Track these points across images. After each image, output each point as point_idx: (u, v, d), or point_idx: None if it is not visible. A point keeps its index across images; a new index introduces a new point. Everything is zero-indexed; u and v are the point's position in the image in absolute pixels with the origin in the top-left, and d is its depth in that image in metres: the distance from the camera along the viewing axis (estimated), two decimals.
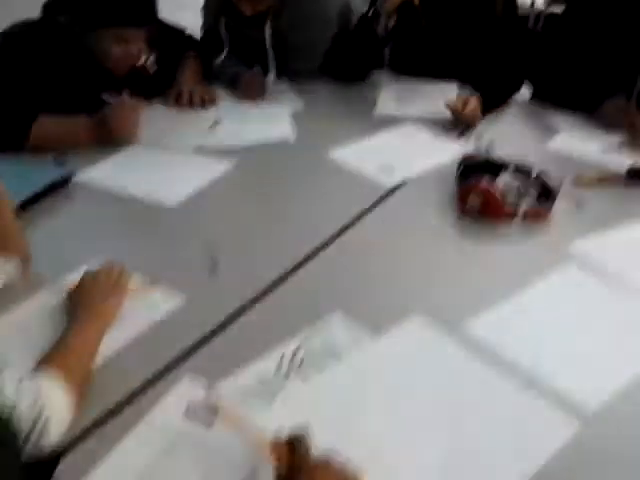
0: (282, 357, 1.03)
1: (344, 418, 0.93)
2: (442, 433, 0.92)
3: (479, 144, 1.62)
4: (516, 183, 1.43)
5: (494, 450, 0.90)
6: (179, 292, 1.16)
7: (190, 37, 2.11)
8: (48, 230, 1.35)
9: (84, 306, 1.03)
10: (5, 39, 1.69)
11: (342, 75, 2.12)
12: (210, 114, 1.89)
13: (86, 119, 1.67)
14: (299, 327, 1.09)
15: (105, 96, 1.73)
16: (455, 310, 1.15)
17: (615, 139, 1.77)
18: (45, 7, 1.71)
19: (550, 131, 1.84)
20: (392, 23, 1.98)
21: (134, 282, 1.14)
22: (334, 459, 0.78)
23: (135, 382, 0.98)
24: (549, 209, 1.42)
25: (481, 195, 1.38)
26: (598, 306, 1.19)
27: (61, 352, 0.95)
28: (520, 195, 1.41)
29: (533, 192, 1.43)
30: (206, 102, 1.93)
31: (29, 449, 0.79)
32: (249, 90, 2.00)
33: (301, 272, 1.24)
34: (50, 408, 0.82)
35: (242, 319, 1.12)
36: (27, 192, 1.41)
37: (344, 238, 1.35)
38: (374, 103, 1.99)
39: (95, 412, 0.93)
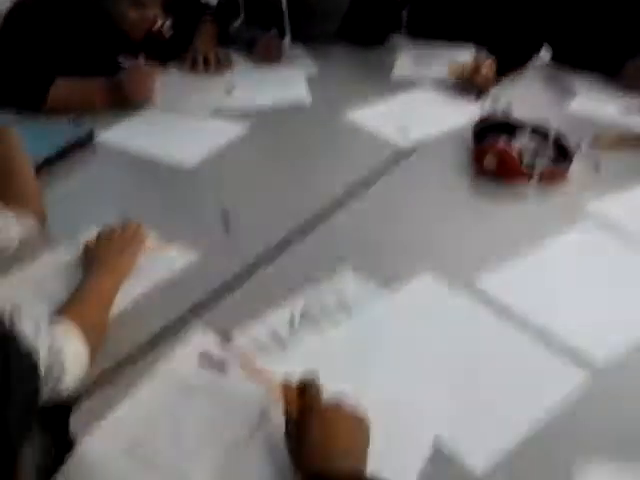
0: (294, 311, 1.04)
1: (355, 369, 0.94)
2: (453, 383, 0.93)
3: (496, 106, 1.60)
4: (533, 144, 1.42)
5: (505, 400, 0.91)
6: (194, 250, 1.17)
7: (206, 2, 2.10)
8: (65, 190, 1.37)
9: (100, 260, 1.05)
10: (23, 2, 1.69)
11: (360, 39, 2.10)
12: (226, 78, 1.89)
13: (102, 82, 1.67)
14: (311, 283, 1.09)
15: (121, 59, 1.74)
16: (469, 268, 1.14)
17: (635, 101, 1.74)
18: None
19: (569, 93, 1.81)
20: None
21: (150, 239, 1.15)
22: (344, 401, 0.78)
23: (149, 334, 0.99)
24: (566, 170, 1.40)
25: (497, 155, 1.37)
26: (612, 264, 1.19)
27: (77, 303, 0.96)
28: (537, 156, 1.40)
29: (550, 153, 1.41)
30: (222, 66, 1.92)
31: (46, 393, 0.81)
32: (265, 53, 1.99)
33: (315, 230, 1.24)
34: (67, 354, 0.84)
35: (255, 275, 1.13)
36: (45, 153, 1.42)
37: (359, 197, 1.35)
38: (391, 66, 1.98)
39: (110, 362, 0.94)
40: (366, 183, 1.39)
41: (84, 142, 1.52)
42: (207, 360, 0.93)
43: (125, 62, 1.72)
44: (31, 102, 1.60)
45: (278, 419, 0.81)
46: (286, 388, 0.81)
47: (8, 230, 1.11)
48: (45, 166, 1.39)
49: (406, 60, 2.02)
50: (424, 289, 1.10)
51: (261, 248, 1.18)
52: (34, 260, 1.13)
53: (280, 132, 1.64)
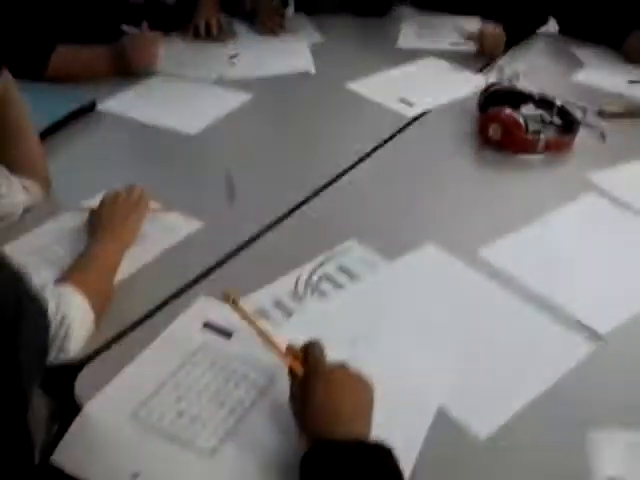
0: (298, 279, 1.04)
1: (359, 337, 0.94)
2: (457, 350, 0.93)
3: (501, 76, 1.59)
4: (538, 114, 1.41)
5: (508, 367, 0.91)
6: (198, 217, 1.16)
7: None
8: (68, 158, 1.36)
9: (104, 225, 1.05)
10: None
11: (364, 10, 2.08)
12: (229, 47, 1.87)
13: (105, 49, 1.66)
14: (315, 253, 1.09)
15: (124, 27, 1.72)
16: (472, 238, 1.14)
17: None
18: None
19: (575, 65, 1.80)
20: None
21: (154, 204, 1.15)
22: (348, 365, 0.79)
23: (154, 301, 0.99)
24: (571, 140, 1.40)
25: (502, 125, 1.36)
26: (616, 234, 1.18)
27: (81, 269, 0.96)
28: (542, 125, 1.39)
29: (556, 123, 1.41)
30: (224, 34, 1.91)
31: (51, 355, 0.81)
32: (268, 23, 1.97)
33: (318, 199, 1.24)
34: (72, 317, 0.84)
35: (258, 244, 1.12)
36: (48, 121, 1.41)
37: (362, 166, 1.34)
38: (395, 37, 1.97)
39: (114, 329, 0.94)
40: (370, 152, 1.38)
41: (87, 110, 1.51)
42: (212, 326, 0.94)
43: (128, 29, 1.70)
44: (32, 70, 1.58)
45: (283, 383, 0.82)
46: (290, 351, 0.81)
47: (13, 196, 1.11)
48: (47, 134, 1.38)
49: (410, 31, 2.00)
50: (427, 258, 1.10)
51: (265, 216, 1.18)
52: (38, 227, 1.13)
53: (284, 101, 1.63)
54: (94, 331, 0.92)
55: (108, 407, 0.82)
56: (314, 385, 0.75)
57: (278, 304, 0.99)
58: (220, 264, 1.07)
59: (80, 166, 1.34)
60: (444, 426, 0.83)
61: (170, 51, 1.79)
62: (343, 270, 1.06)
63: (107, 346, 0.91)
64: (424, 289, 1.04)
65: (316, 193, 1.25)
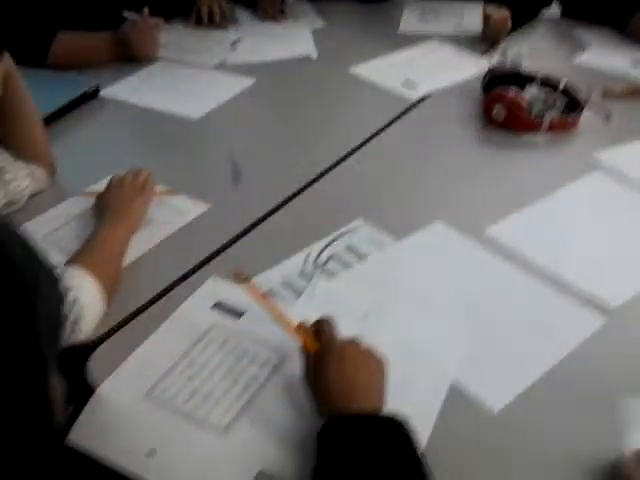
0: (306, 260, 1.04)
1: (369, 314, 0.94)
2: (468, 327, 0.93)
3: (505, 58, 1.59)
4: (543, 94, 1.41)
5: (520, 342, 0.91)
6: (204, 201, 1.16)
7: None
8: (73, 143, 1.36)
9: (111, 208, 1.05)
10: None
11: None
12: (231, 33, 1.87)
13: (107, 35, 1.66)
14: (322, 233, 1.09)
15: (126, 13, 1.71)
16: (479, 217, 1.14)
17: None
18: None
19: (579, 47, 1.80)
20: None
21: (159, 189, 1.15)
22: (360, 340, 0.79)
23: (163, 283, 0.99)
24: (576, 120, 1.40)
25: (507, 106, 1.36)
26: (622, 211, 1.19)
27: (89, 253, 0.96)
28: (547, 106, 1.39)
29: (560, 104, 1.40)
30: (226, 19, 1.90)
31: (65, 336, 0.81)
32: (269, 8, 1.97)
33: (324, 181, 1.24)
34: (84, 298, 0.84)
35: (265, 225, 1.12)
36: (50, 108, 1.41)
37: (367, 148, 1.34)
38: (397, 22, 1.96)
39: (124, 312, 0.94)
40: (374, 134, 1.38)
41: (89, 97, 1.50)
42: (222, 306, 0.94)
43: (130, 16, 1.70)
44: (34, 57, 1.58)
45: (295, 360, 0.82)
46: (302, 328, 0.81)
47: (19, 182, 1.10)
48: (51, 121, 1.38)
49: (412, 15, 1.99)
50: (435, 236, 1.10)
51: (271, 198, 1.18)
52: (45, 212, 1.13)
53: (286, 85, 1.63)
54: (105, 313, 0.92)
55: (122, 387, 0.82)
56: (327, 361, 0.75)
57: (287, 284, 0.99)
58: (228, 246, 1.07)
59: (84, 152, 1.34)
60: (457, 400, 0.83)
61: (171, 37, 1.78)
62: (351, 250, 1.06)
63: (118, 328, 0.92)
64: (433, 266, 1.04)
65: (322, 175, 1.25)
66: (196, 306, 0.94)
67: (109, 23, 1.67)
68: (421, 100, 1.53)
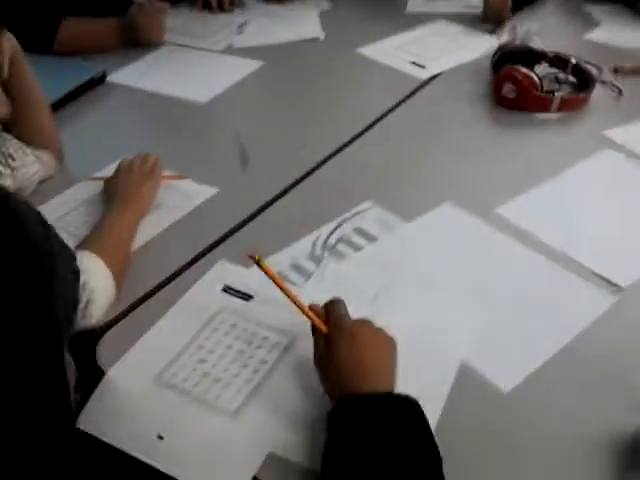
0: (315, 242, 1.04)
1: (379, 295, 0.94)
2: (478, 307, 0.93)
3: (514, 36, 1.57)
4: (553, 72, 1.39)
5: (531, 323, 0.91)
6: (212, 185, 1.16)
7: None
8: (80, 129, 1.35)
9: (120, 193, 1.04)
10: None
11: None
12: (237, 16, 1.85)
13: (113, 21, 1.64)
14: (331, 216, 1.08)
15: None
16: (489, 197, 1.13)
17: None
18: None
19: (590, 23, 1.77)
20: None
21: (168, 173, 1.15)
22: (371, 320, 0.79)
23: (171, 267, 0.99)
24: (587, 98, 1.38)
25: (517, 83, 1.34)
26: (633, 190, 1.17)
27: (98, 238, 0.96)
28: (557, 83, 1.37)
29: (571, 81, 1.39)
30: (233, 4, 1.89)
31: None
32: None
33: (333, 163, 1.23)
34: (94, 282, 0.84)
35: (274, 208, 1.12)
36: (57, 94, 1.40)
37: (376, 129, 1.33)
38: (404, 2, 1.93)
39: (132, 296, 0.94)
40: (383, 115, 1.37)
41: (96, 82, 1.50)
42: (231, 290, 0.94)
43: (136, 0, 1.69)
44: (39, 44, 1.57)
45: (305, 343, 0.82)
46: (313, 309, 0.81)
47: (28, 168, 1.10)
48: (58, 107, 1.38)
49: None
50: (445, 217, 1.09)
51: (279, 181, 1.17)
52: (53, 198, 1.13)
53: (294, 67, 1.61)
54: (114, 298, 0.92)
55: (131, 371, 0.83)
56: (338, 341, 0.75)
57: (296, 267, 0.99)
58: (236, 229, 1.07)
59: (92, 137, 1.33)
60: (467, 381, 0.83)
61: (177, 21, 1.77)
62: (360, 232, 1.06)
63: (127, 312, 0.92)
64: (442, 247, 1.04)
65: (330, 157, 1.24)
66: (205, 290, 0.94)
67: (116, 8, 1.66)
68: (430, 80, 1.51)
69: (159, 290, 0.95)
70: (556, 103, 1.34)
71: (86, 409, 0.78)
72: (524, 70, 1.35)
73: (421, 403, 0.71)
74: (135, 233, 1.01)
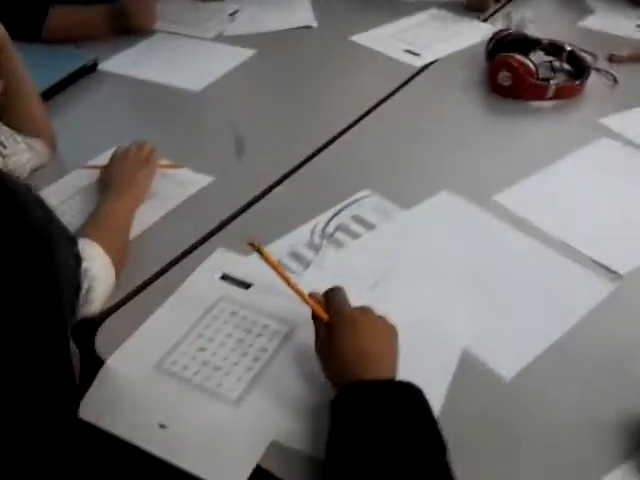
0: (313, 230, 1.03)
1: (378, 283, 0.93)
2: (477, 294, 0.92)
3: (509, 23, 1.56)
4: (548, 60, 1.39)
5: (531, 311, 0.90)
6: (207, 173, 1.15)
7: None
8: (72, 118, 1.34)
9: (115, 181, 1.03)
10: None
11: None
12: (228, 4, 1.83)
13: (103, 8, 1.62)
14: (328, 204, 1.08)
15: None
16: (486, 185, 1.13)
17: None
18: None
19: (584, 11, 1.77)
20: None
21: (163, 162, 1.13)
22: (372, 308, 0.78)
23: (168, 255, 0.98)
24: (582, 85, 1.38)
25: (512, 71, 1.34)
26: (629, 177, 1.17)
27: (96, 226, 0.94)
28: (553, 71, 1.37)
29: (566, 68, 1.39)
30: None
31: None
32: None
33: (329, 151, 1.22)
34: (95, 269, 0.83)
35: (270, 197, 1.11)
36: (48, 82, 1.38)
37: (371, 117, 1.32)
38: None
39: (131, 283, 0.93)
40: (378, 103, 1.36)
41: (88, 70, 1.48)
42: (229, 278, 0.93)
43: None
44: (27, 33, 1.55)
45: (305, 331, 0.81)
46: (313, 297, 0.80)
47: (19, 156, 1.09)
48: (49, 96, 1.36)
49: None
50: (443, 205, 1.09)
51: (275, 169, 1.16)
52: (47, 187, 1.11)
53: (287, 55, 1.60)
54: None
55: (130, 360, 0.82)
56: (340, 329, 0.74)
57: (295, 255, 0.98)
58: (233, 217, 1.06)
59: (84, 126, 1.32)
60: (469, 369, 0.82)
61: (167, 9, 1.74)
62: (358, 220, 1.05)
63: (125, 301, 0.91)
64: (441, 234, 1.03)
65: (326, 145, 1.24)
66: (203, 278, 0.93)
67: None
68: (424, 68, 1.50)
69: (157, 279, 0.94)
70: (551, 91, 1.34)
71: (86, 398, 0.77)
72: (519, 57, 1.35)
73: (424, 390, 0.70)
74: (132, 221, 1.00)
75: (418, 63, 1.52)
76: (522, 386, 0.81)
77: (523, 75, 1.33)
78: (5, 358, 0.49)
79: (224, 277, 0.93)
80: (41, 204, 0.55)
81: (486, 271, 0.97)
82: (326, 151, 1.22)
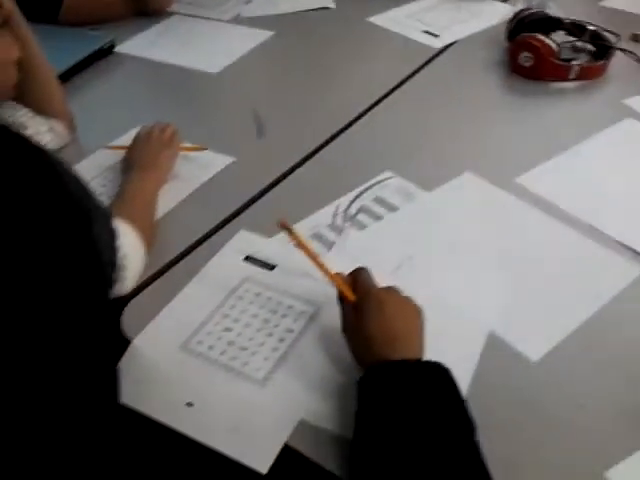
0: (335, 212, 1.02)
1: (402, 264, 0.93)
2: (503, 276, 0.92)
3: (529, 3, 1.54)
4: (571, 39, 1.37)
5: (557, 293, 0.90)
6: (228, 154, 1.14)
7: None
8: (90, 100, 1.33)
9: (138, 161, 1.03)
10: None
11: None
12: None
13: None
14: (350, 186, 1.07)
15: None
16: (509, 166, 1.12)
17: None
18: None
19: None
20: None
21: (187, 145, 1.13)
22: (398, 288, 0.78)
23: (192, 237, 0.98)
24: (605, 66, 1.36)
25: (534, 51, 1.32)
26: None
27: (123, 203, 0.94)
28: (575, 51, 1.35)
29: (588, 49, 1.37)
30: None
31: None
32: None
33: (349, 133, 1.22)
34: (127, 247, 0.82)
35: (292, 178, 1.10)
36: (65, 64, 1.38)
37: (391, 99, 1.31)
38: None
39: (155, 264, 0.93)
40: (398, 85, 1.35)
41: (105, 52, 1.48)
42: (253, 259, 0.93)
43: None
44: (44, 14, 1.54)
45: (330, 311, 0.81)
46: (339, 277, 0.80)
47: (41, 137, 1.08)
48: (66, 78, 1.35)
49: None
50: (466, 186, 1.08)
51: (297, 150, 1.15)
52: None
53: (305, 37, 1.58)
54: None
55: (157, 340, 0.82)
56: (367, 308, 0.74)
57: (317, 237, 0.98)
58: (255, 199, 1.06)
59: (102, 108, 1.31)
60: (495, 351, 0.82)
61: None
62: (380, 202, 1.05)
63: (150, 282, 0.91)
64: (464, 216, 1.02)
65: (346, 127, 1.23)
66: (227, 260, 0.93)
67: None
68: (444, 49, 1.49)
69: (181, 260, 0.94)
70: (574, 71, 1.32)
71: None
72: (541, 37, 1.33)
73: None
74: (156, 202, 0.99)
75: (437, 44, 1.50)
76: (549, 368, 0.80)
77: (545, 55, 1.31)
78: (50, 332, 0.50)
79: (248, 258, 0.93)
80: (77, 180, 0.55)
81: (511, 253, 0.96)
82: (347, 132, 1.21)
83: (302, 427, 0.73)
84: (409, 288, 0.79)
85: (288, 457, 0.71)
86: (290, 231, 0.83)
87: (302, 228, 0.98)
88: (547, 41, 1.32)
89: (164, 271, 0.92)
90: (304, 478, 0.72)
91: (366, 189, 1.07)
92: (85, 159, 1.13)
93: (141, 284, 0.89)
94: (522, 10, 1.46)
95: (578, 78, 1.33)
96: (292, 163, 1.13)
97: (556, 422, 0.75)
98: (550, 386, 0.79)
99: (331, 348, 0.80)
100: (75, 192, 0.54)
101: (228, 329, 0.83)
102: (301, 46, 1.55)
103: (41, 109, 1.11)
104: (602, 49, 1.37)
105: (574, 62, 1.32)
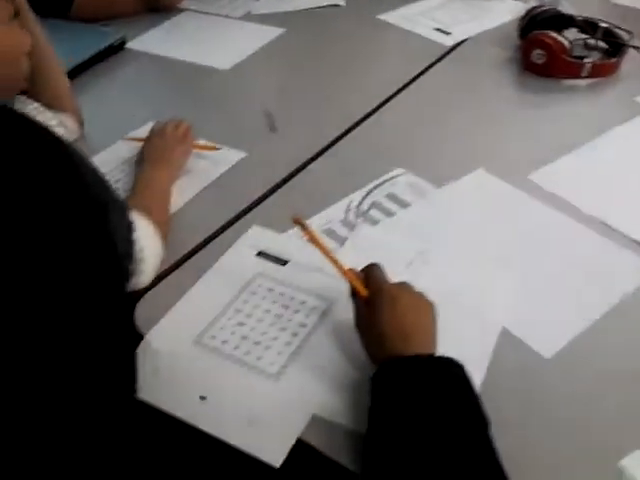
0: (348, 207, 1.02)
1: (415, 260, 0.93)
2: (516, 272, 0.91)
3: (542, 1, 1.53)
4: (583, 37, 1.37)
5: (570, 290, 0.89)
6: (240, 151, 1.14)
7: None
8: (100, 96, 1.33)
9: (154, 155, 1.03)
10: None
11: None
12: None
13: None
14: (362, 182, 1.07)
15: None
16: (521, 164, 1.11)
17: None
18: None
19: None
20: None
21: (200, 142, 1.13)
22: (410, 284, 0.78)
23: (204, 232, 0.98)
24: (618, 63, 1.35)
25: (546, 48, 1.31)
26: None
27: (139, 197, 0.94)
28: (587, 49, 1.34)
29: (601, 46, 1.36)
30: None
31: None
32: None
33: (361, 130, 1.21)
34: (144, 240, 0.82)
35: (304, 174, 1.10)
36: (76, 60, 1.38)
37: (403, 95, 1.31)
38: None
39: (168, 259, 0.93)
40: (410, 82, 1.35)
41: (116, 49, 1.48)
42: (266, 255, 0.93)
43: None
44: (56, 9, 1.55)
45: (343, 306, 0.81)
46: (352, 272, 0.80)
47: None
48: (77, 74, 1.35)
49: None
50: (478, 183, 1.08)
51: (309, 146, 1.15)
52: None
53: (316, 34, 1.58)
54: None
55: (170, 334, 0.82)
56: (380, 305, 0.74)
57: (330, 232, 0.98)
58: (267, 195, 1.06)
59: (112, 105, 1.32)
60: (508, 347, 0.82)
61: None
62: (392, 198, 1.04)
63: (163, 276, 0.91)
64: (477, 213, 1.02)
65: (358, 123, 1.23)
66: (239, 255, 0.93)
67: None
68: (455, 47, 1.49)
69: (193, 255, 0.94)
70: (586, 69, 1.32)
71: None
72: (553, 34, 1.32)
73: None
74: (170, 193, 0.99)
75: (449, 42, 1.50)
76: (562, 365, 0.80)
77: (557, 53, 1.31)
78: (65, 324, 0.50)
79: (260, 254, 0.93)
80: (94, 170, 0.55)
81: (523, 249, 0.96)
82: (359, 129, 1.21)
83: (315, 421, 0.73)
84: (421, 284, 0.79)
85: (301, 451, 0.71)
86: (304, 227, 0.83)
87: (314, 224, 0.98)
88: (559, 38, 1.32)
89: (177, 266, 0.92)
90: (317, 472, 0.72)
91: (378, 185, 1.07)
92: (96, 154, 1.13)
93: (154, 279, 0.89)
94: (534, 7, 1.46)
95: (591, 76, 1.32)
96: (304, 159, 1.13)
97: (570, 417, 0.75)
98: (563, 382, 0.78)
99: (344, 343, 0.80)
100: (92, 184, 0.54)
101: (241, 324, 0.83)
102: (312, 43, 1.55)
103: (49, 103, 1.11)
104: (615, 46, 1.37)
105: (586, 60, 1.32)
